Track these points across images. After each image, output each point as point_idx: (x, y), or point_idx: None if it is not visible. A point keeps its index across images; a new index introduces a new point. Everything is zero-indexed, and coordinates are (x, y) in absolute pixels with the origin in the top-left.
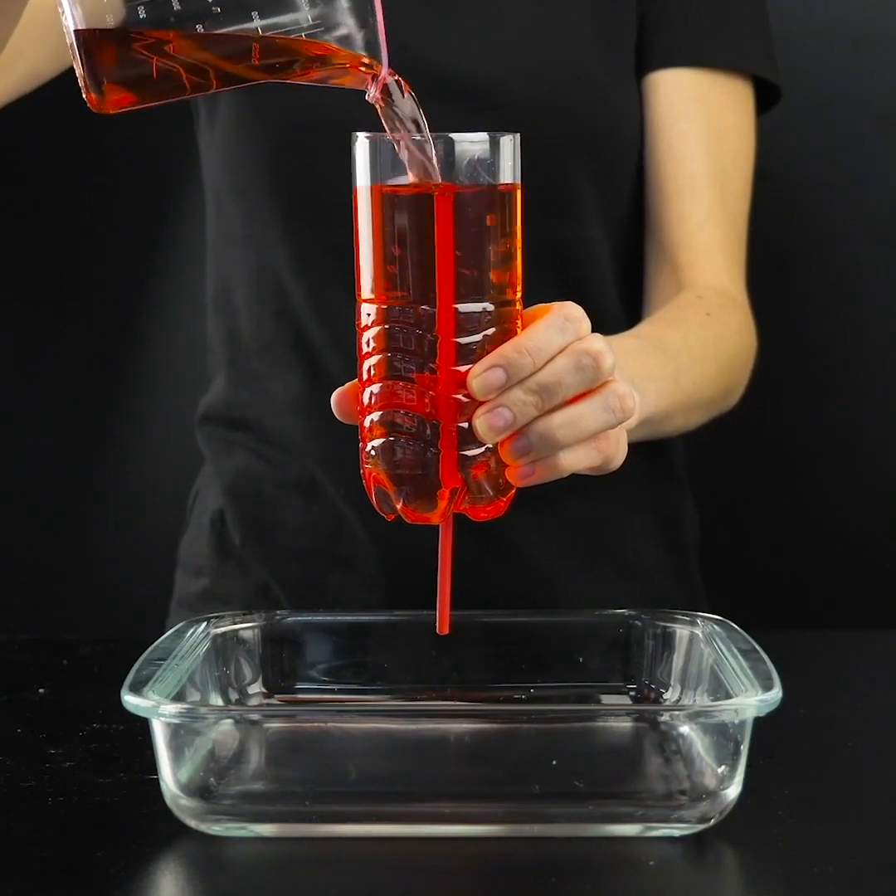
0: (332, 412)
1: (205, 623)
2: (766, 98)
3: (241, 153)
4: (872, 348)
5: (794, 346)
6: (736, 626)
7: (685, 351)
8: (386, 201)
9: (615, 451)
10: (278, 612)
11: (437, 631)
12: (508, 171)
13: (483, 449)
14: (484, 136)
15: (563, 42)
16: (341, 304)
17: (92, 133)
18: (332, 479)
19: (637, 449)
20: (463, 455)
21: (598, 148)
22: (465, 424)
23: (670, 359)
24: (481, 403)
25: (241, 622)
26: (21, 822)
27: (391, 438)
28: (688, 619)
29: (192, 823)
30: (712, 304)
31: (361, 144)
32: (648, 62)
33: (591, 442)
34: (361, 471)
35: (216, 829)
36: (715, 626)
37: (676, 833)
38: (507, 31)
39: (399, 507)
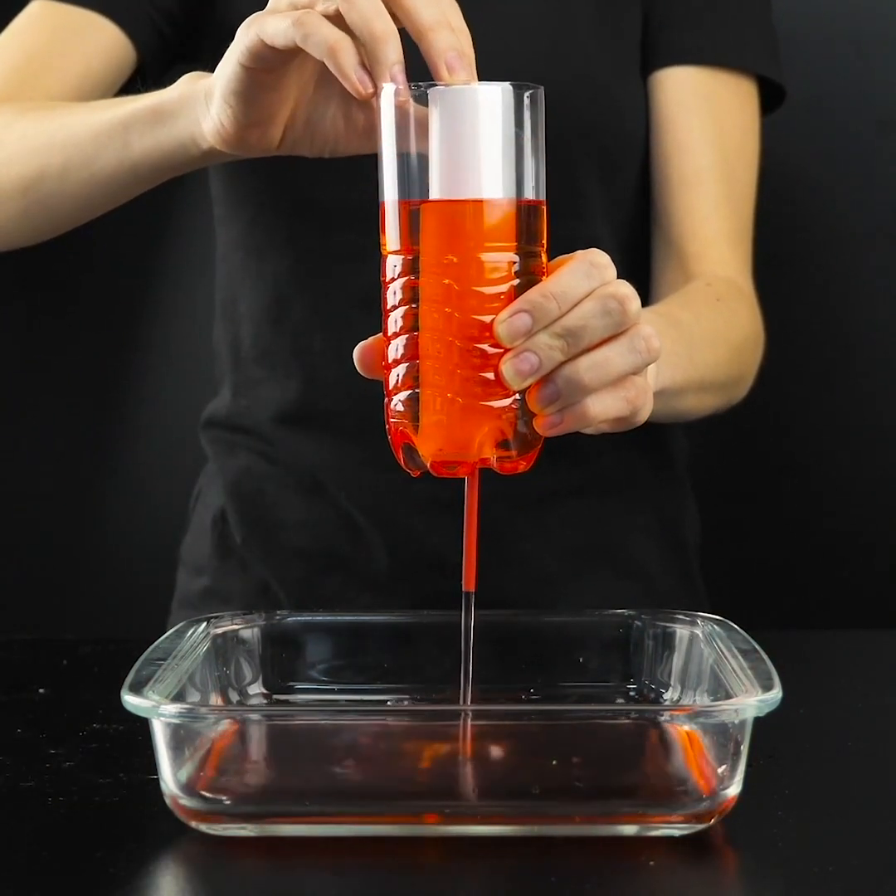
0: (331, 416)
1: (205, 623)
2: (771, 99)
3: (240, 161)
4: (873, 349)
5: (794, 348)
6: (736, 626)
7: (698, 330)
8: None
9: (643, 402)
10: (278, 612)
11: (464, 587)
12: (531, 123)
13: (510, 400)
14: (508, 85)
15: (567, 41)
16: (340, 310)
17: None
18: (334, 482)
19: (639, 449)
20: (490, 406)
21: (603, 146)
22: (492, 375)
23: (683, 334)
24: (507, 352)
25: (241, 622)
26: (21, 822)
27: (418, 390)
28: (688, 619)
29: (192, 823)
30: (722, 291)
31: (387, 93)
32: (654, 60)
33: (619, 391)
34: (386, 427)
35: (216, 829)
36: (715, 626)
37: (676, 833)
38: (510, 30)
39: (427, 462)
